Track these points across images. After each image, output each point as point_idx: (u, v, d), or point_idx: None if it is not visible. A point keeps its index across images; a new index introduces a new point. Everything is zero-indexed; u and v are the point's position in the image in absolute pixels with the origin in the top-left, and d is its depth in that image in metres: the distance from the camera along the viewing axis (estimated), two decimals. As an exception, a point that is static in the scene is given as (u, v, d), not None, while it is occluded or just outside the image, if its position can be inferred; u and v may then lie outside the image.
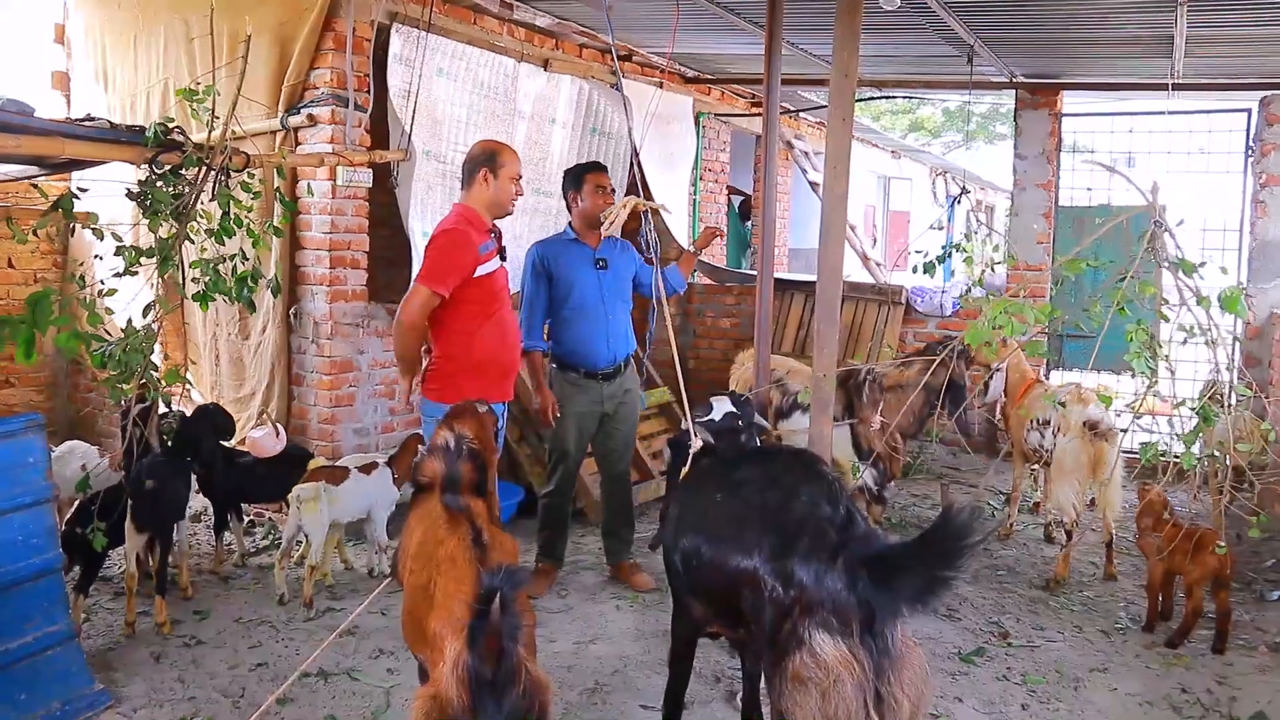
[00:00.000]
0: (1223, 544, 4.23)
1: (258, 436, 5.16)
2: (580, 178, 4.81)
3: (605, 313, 4.70)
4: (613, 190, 4.76)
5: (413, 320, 3.92)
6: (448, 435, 3.03)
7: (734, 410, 3.71)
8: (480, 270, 3.94)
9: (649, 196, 4.30)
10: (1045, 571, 5.31)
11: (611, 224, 4.06)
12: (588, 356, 4.75)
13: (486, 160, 4.04)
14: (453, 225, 4.00)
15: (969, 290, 6.80)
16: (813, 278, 8.74)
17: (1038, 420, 5.41)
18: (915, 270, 7.06)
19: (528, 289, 4.80)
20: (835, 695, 2.34)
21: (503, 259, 4.11)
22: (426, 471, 2.95)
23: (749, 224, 11.67)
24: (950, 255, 5.14)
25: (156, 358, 4.57)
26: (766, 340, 5.20)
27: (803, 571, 2.46)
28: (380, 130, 5.91)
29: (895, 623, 2.43)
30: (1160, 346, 3.45)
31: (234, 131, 4.48)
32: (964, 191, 8.00)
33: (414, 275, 4.56)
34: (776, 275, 5.91)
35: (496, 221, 4.21)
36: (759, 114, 9.18)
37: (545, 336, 4.88)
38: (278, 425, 5.30)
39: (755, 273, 8.19)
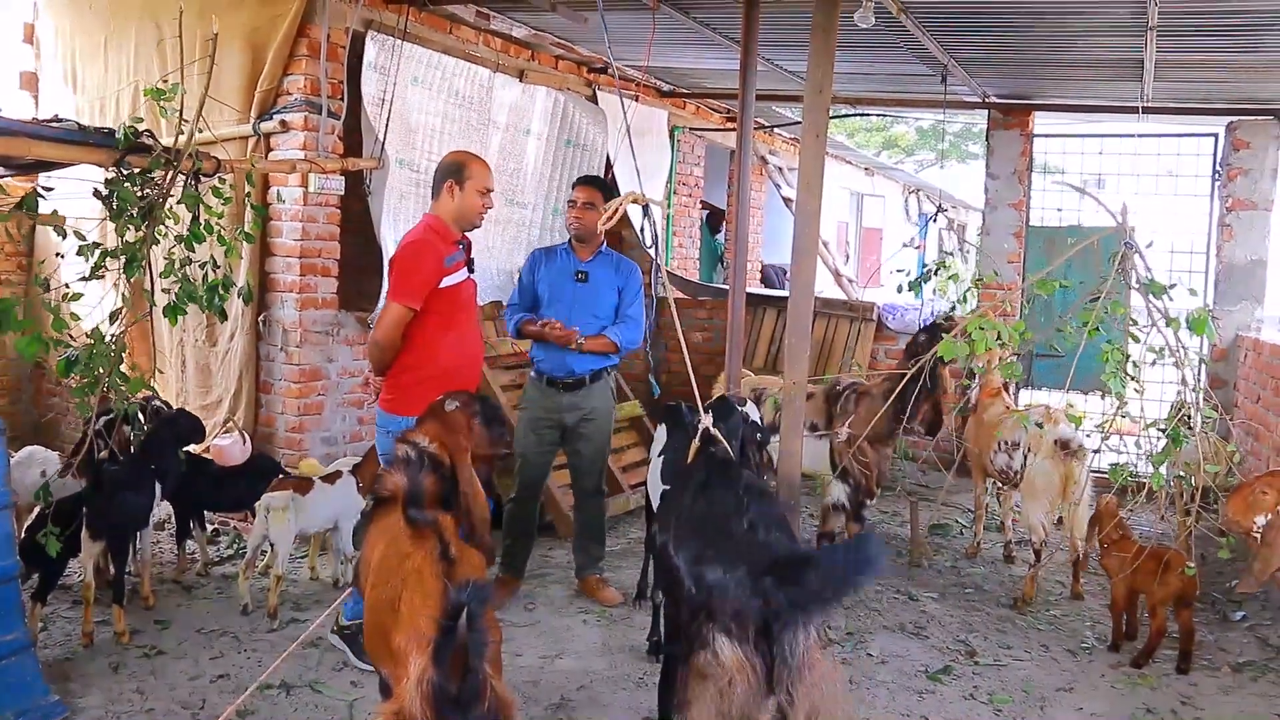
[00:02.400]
0: (1192, 565, 4.26)
1: (224, 444, 5.10)
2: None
3: (573, 324, 4.70)
4: (585, 204, 4.75)
5: (388, 338, 3.91)
6: (408, 447, 2.99)
7: (709, 415, 3.68)
8: (446, 281, 3.92)
9: (610, 216, 4.27)
10: (1013, 590, 5.32)
11: (609, 218, 4.03)
12: (549, 364, 4.78)
13: (453, 172, 4.01)
14: (418, 236, 3.98)
15: (953, 309, 6.84)
16: (785, 293, 8.73)
17: (1007, 442, 5.43)
18: (900, 290, 7.09)
19: (519, 280, 4.93)
20: (730, 694, 2.54)
21: (470, 271, 4.06)
22: (388, 485, 2.91)
23: (719, 237, 11.72)
24: (935, 274, 5.16)
25: (125, 367, 4.51)
26: (738, 354, 5.21)
27: (712, 576, 2.67)
28: (353, 138, 5.87)
29: (797, 633, 2.57)
30: (1136, 367, 3.48)
31: (205, 135, 4.43)
32: (940, 210, 8.03)
33: (385, 285, 4.53)
34: (749, 290, 5.92)
35: (469, 233, 4.19)
36: (734, 129, 9.20)
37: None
38: (244, 433, 5.24)
39: (727, 287, 8.25)
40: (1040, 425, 4.95)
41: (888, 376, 5.05)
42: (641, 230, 4.34)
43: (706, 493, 3.19)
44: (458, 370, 3.96)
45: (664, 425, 4.15)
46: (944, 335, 4.17)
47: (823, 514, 5.28)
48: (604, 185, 4.91)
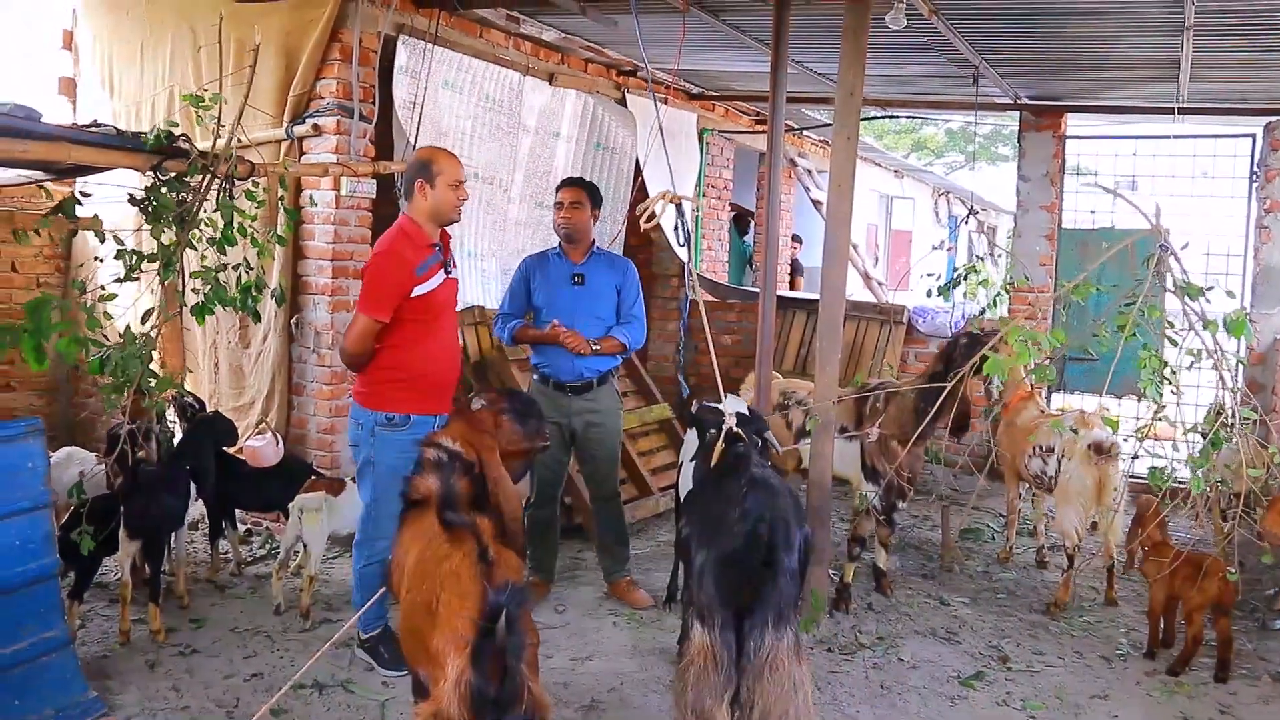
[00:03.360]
0: (1233, 570, 4.20)
1: (257, 446, 5.15)
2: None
3: (575, 328, 4.71)
4: (573, 204, 4.76)
5: (359, 348, 3.92)
6: (435, 450, 3.01)
7: (745, 413, 3.72)
8: (418, 290, 3.90)
9: (650, 215, 4.28)
10: (1045, 595, 5.28)
11: (649, 219, 4.03)
12: (555, 369, 4.78)
13: (421, 170, 3.99)
14: (388, 246, 3.95)
15: (982, 314, 6.78)
16: (815, 296, 8.71)
17: (1041, 446, 5.39)
18: (930, 294, 7.03)
19: (511, 286, 4.92)
20: (699, 675, 2.84)
21: (448, 271, 4.03)
22: (420, 489, 2.92)
23: (747, 239, 11.70)
24: (965, 278, 5.12)
25: (156, 366, 4.56)
26: (768, 357, 5.20)
27: (697, 561, 3.03)
28: (385, 141, 5.91)
29: (764, 632, 2.79)
30: (1175, 372, 3.44)
31: (239, 140, 4.48)
32: (971, 212, 7.98)
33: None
34: (779, 293, 5.91)
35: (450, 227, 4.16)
36: (763, 131, 9.19)
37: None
38: (277, 435, 5.28)
39: (757, 290, 8.23)
40: (1074, 430, 4.91)
41: (919, 377, 5.01)
42: (675, 229, 4.33)
43: (717, 485, 3.33)
44: (433, 371, 3.96)
45: (694, 429, 4.18)
46: (984, 345, 4.13)
47: (853, 517, 5.26)
48: (589, 186, 4.91)
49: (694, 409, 4.22)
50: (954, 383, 4.28)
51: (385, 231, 4.04)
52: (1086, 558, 5.35)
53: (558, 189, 4.91)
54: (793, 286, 11.10)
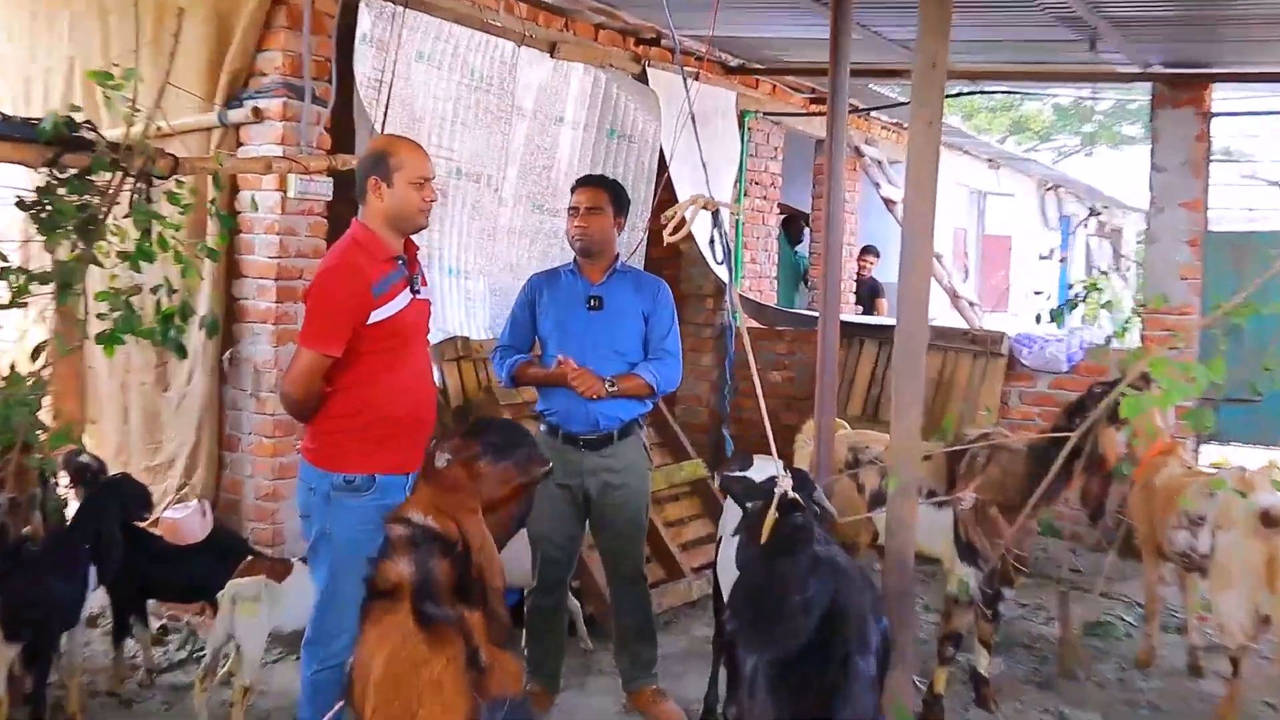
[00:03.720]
0: None
1: (177, 517, 5.14)
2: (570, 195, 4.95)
3: (587, 365, 4.70)
4: (590, 209, 4.78)
5: (303, 390, 3.89)
6: (402, 527, 2.97)
7: (785, 476, 3.71)
8: (377, 314, 3.88)
9: (678, 223, 4.25)
10: (1202, 712, 5.18)
11: (676, 230, 4.00)
12: (563, 416, 4.78)
13: (375, 165, 3.97)
14: (336, 260, 3.94)
15: (1107, 343, 6.73)
16: (888, 321, 8.60)
17: (1189, 514, 5.31)
18: (1039, 318, 6.99)
19: (511, 315, 4.96)
20: None
21: (415, 290, 4.02)
22: (389, 576, 2.88)
23: (800, 250, 11.69)
24: (1083, 297, 5.09)
25: (47, 415, 4.56)
26: (830, 400, 5.16)
27: (751, 673, 3.09)
28: (344, 128, 5.93)
29: None
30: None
31: (159, 128, 4.50)
32: (1092, 212, 7.96)
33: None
34: (842, 317, 5.87)
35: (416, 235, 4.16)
36: (821, 113, 9.20)
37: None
38: (204, 502, 5.27)
39: (814, 313, 8.19)
40: (1236, 492, 4.83)
41: (1042, 433, 4.95)
42: (711, 243, 4.30)
43: (769, 566, 3.32)
44: (401, 419, 3.95)
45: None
46: (1122, 388, 4.08)
47: (945, 607, 5.19)
48: (612, 186, 4.94)
49: (718, 480, 4.18)
50: (1082, 430, 4.22)
51: (335, 243, 4.04)
52: (1256, 662, 5.24)
53: (572, 189, 4.94)
54: (873, 313, 11.07)
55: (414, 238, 4.11)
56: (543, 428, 4.88)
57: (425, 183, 3.97)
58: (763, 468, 3.97)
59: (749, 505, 3.77)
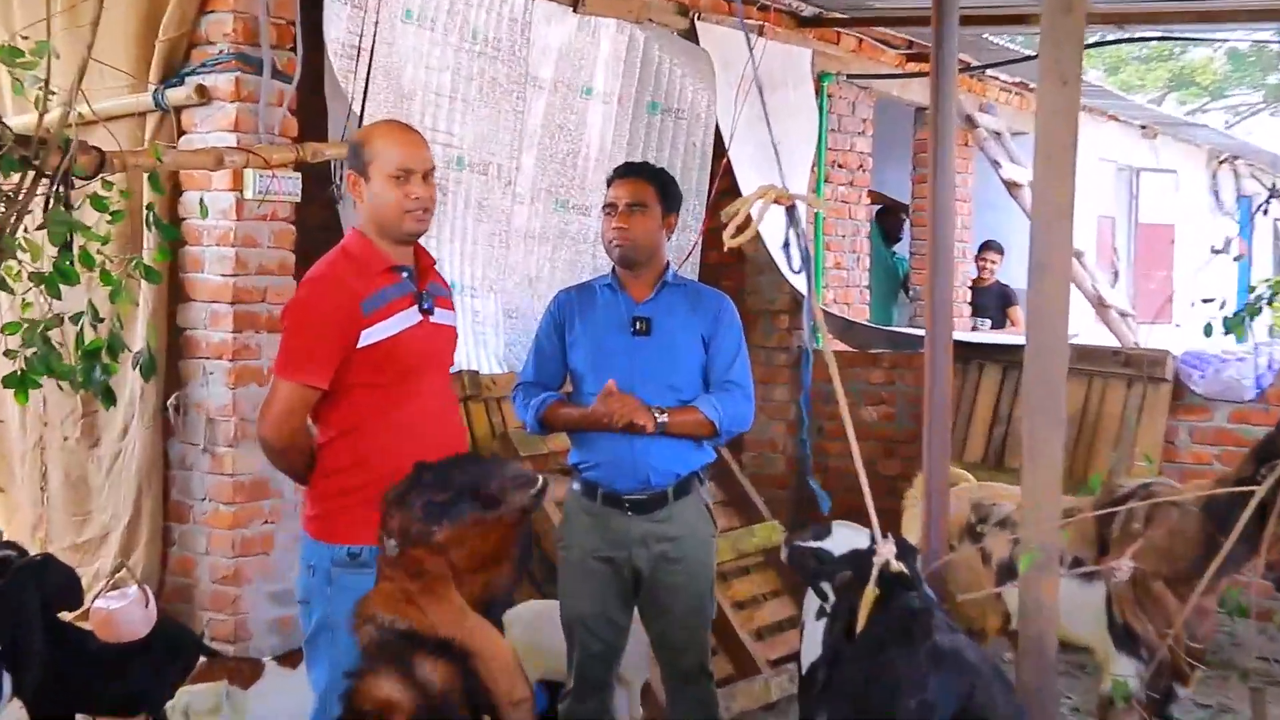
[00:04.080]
0: None
1: (113, 608, 5.13)
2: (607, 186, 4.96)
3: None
4: (633, 206, 4.77)
5: (280, 435, 3.91)
6: (372, 630, 2.96)
7: (887, 542, 3.70)
8: (369, 335, 3.91)
9: (743, 223, 4.23)
10: None
11: (740, 231, 3.97)
12: (605, 470, 4.77)
13: (350, 156, 4.06)
14: (320, 271, 3.99)
15: None
16: (1014, 339, 8.44)
17: None
18: (1208, 330, 6.87)
19: (535, 342, 5.00)
20: None
21: (425, 309, 4.04)
22: (374, 697, 2.88)
23: (899, 250, 11.66)
24: (1270, 301, 5.00)
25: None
26: (944, 444, 5.10)
27: None
28: (314, 110, 5.97)
29: None
30: None
31: (79, 115, 4.52)
32: (1274, 195, 7.86)
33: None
34: (956, 336, 5.82)
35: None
36: (922, 74, 9.15)
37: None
38: (146, 589, 5.27)
39: (919, 331, 8.10)
40: None
41: (1220, 482, 4.87)
42: (785, 246, 4.26)
43: (873, 658, 3.32)
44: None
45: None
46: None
47: (1099, 711, 5.12)
48: (658, 175, 4.95)
49: (784, 553, 4.15)
50: (1274, 480, 4.15)
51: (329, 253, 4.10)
52: None
53: (607, 181, 4.94)
54: (1005, 326, 11.00)
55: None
56: (576, 485, 4.87)
57: (407, 176, 3.97)
58: (845, 537, 3.96)
59: (829, 583, 3.74)
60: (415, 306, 4.01)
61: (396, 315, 3.95)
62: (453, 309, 4.20)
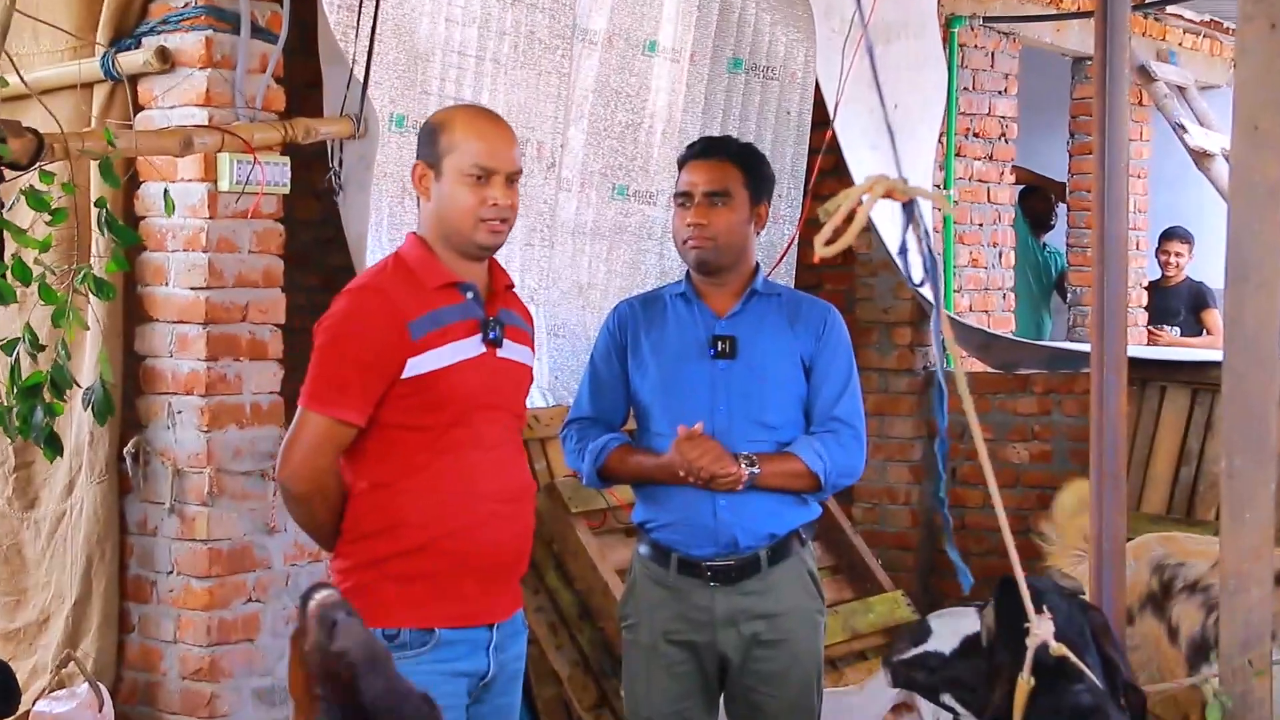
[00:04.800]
0: None
1: (58, 712, 5.14)
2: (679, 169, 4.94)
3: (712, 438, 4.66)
4: (713, 195, 4.72)
5: (304, 479, 3.93)
6: None
7: (1043, 620, 3.63)
8: (420, 363, 3.92)
9: (843, 221, 4.17)
10: None
11: (835, 234, 3.91)
12: (679, 530, 4.75)
13: (423, 141, 4.07)
14: (363, 281, 4.04)
15: None
16: (1205, 353, 8.25)
17: None
18: None
19: (590, 368, 5.03)
20: None
21: (492, 337, 4.04)
22: None
23: (1050, 242, 11.62)
24: None
25: None
26: (1116, 488, 5.00)
27: None
28: (306, 77, 6.01)
29: None
30: None
31: (7, 85, 4.51)
32: None
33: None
34: (1131, 351, 5.72)
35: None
36: (1082, 13, 9.09)
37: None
38: (99, 687, 5.27)
39: (1081, 347, 7.96)
40: None
41: None
42: (903, 252, 4.18)
43: None
44: (472, 533, 3.98)
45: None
46: None
47: None
48: (744, 155, 4.92)
49: (887, 678, 4.21)
50: None
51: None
52: None
53: (680, 163, 4.93)
54: (1200, 332, 10.87)
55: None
56: (643, 549, 4.87)
57: (488, 177, 3.99)
58: (949, 626, 3.95)
59: (952, 691, 3.77)
60: (479, 336, 4.01)
61: (453, 344, 3.96)
62: (531, 346, 4.23)
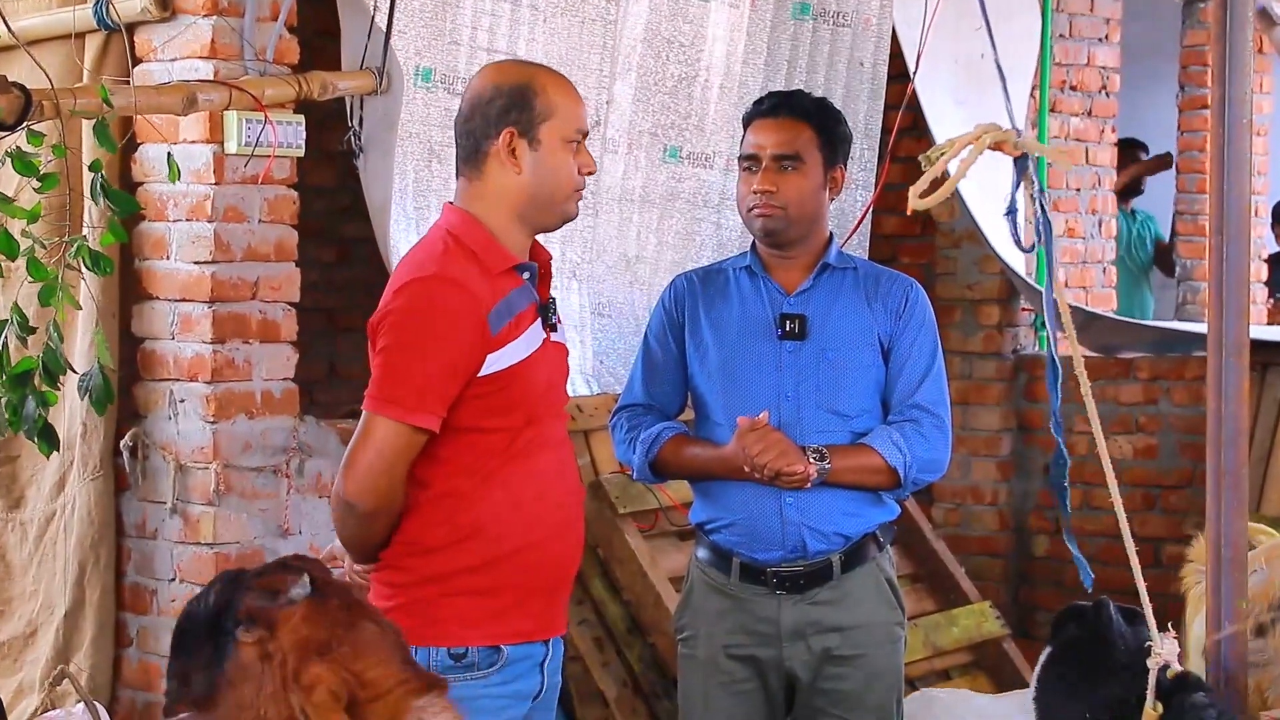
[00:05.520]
0: None
1: (51, 735, 5.18)
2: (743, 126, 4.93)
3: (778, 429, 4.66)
4: (782, 159, 4.71)
5: (376, 495, 3.92)
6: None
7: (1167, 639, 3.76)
8: (499, 359, 3.94)
9: (936, 179, 4.17)
10: None
11: (931, 187, 3.91)
12: (742, 531, 4.75)
13: (510, 105, 3.99)
14: (433, 270, 3.98)
15: None
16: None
17: None
18: None
19: (642, 350, 5.04)
20: None
21: (549, 322, 4.09)
22: None
23: (1140, 210, 11.58)
24: None
25: None
26: (1237, 489, 4.99)
27: None
28: (320, 26, 6.07)
29: None
30: None
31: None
32: None
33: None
34: (1255, 332, 5.71)
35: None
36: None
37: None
38: (96, 707, 5.30)
39: (1194, 327, 7.94)
40: None
41: None
42: (1010, 212, 4.17)
43: None
44: (542, 545, 4.01)
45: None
46: None
47: None
48: (817, 111, 4.90)
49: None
50: None
51: (415, 245, 4.15)
52: None
53: (745, 121, 4.92)
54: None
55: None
56: (701, 553, 4.87)
57: (581, 142, 4.06)
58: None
59: None
60: (539, 321, 4.06)
61: (523, 335, 4.00)
62: (561, 322, 4.23)
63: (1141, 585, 3.60)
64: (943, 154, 3.90)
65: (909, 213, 4.17)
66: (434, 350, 3.89)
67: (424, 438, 3.89)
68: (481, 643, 3.92)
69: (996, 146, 4.01)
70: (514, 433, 3.97)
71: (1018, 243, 4.28)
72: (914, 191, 4.08)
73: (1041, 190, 4.24)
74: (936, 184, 4.03)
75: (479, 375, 3.90)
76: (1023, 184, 4.20)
